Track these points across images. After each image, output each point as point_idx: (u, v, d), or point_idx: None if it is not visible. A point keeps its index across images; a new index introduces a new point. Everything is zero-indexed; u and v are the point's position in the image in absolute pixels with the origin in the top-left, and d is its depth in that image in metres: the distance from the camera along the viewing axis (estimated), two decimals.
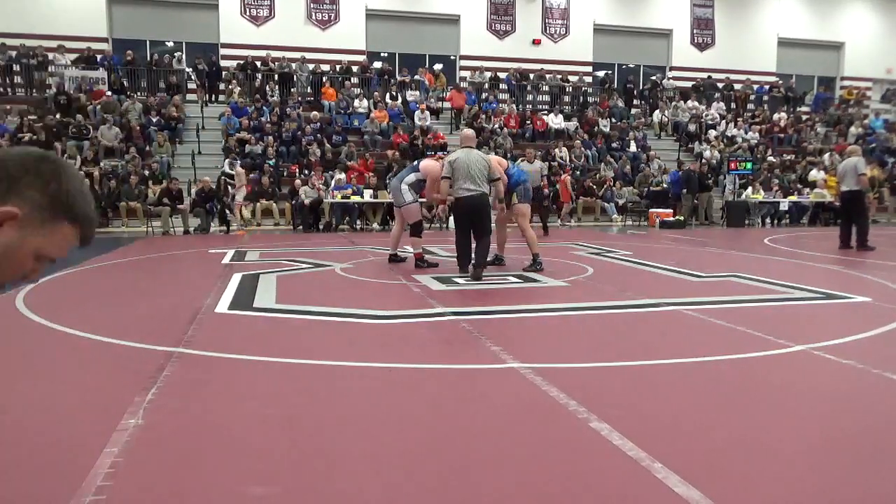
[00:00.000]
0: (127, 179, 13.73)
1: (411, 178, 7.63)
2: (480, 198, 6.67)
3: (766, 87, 23.19)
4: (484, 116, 18.38)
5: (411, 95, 18.96)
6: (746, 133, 20.34)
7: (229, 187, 14.24)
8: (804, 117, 22.18)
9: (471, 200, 6.66)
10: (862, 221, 9.74)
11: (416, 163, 8.25)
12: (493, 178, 6.80)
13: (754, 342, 4.11)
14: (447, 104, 19.37)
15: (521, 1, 21.73)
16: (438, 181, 7.21)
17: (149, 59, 18.71)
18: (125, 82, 17.49)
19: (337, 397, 3.13)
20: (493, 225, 7.39)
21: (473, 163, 6.65)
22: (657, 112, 20.88)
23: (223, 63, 18.91)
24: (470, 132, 7.30)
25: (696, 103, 21.05)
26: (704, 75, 22.65)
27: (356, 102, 18.27)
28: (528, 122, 18.86)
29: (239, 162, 14.67)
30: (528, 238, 7.41)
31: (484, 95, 19.64)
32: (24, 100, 16.73)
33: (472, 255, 6.72)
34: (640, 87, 22.27)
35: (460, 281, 6.47)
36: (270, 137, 15.87)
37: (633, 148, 18.67)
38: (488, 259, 7.46)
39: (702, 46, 23.52)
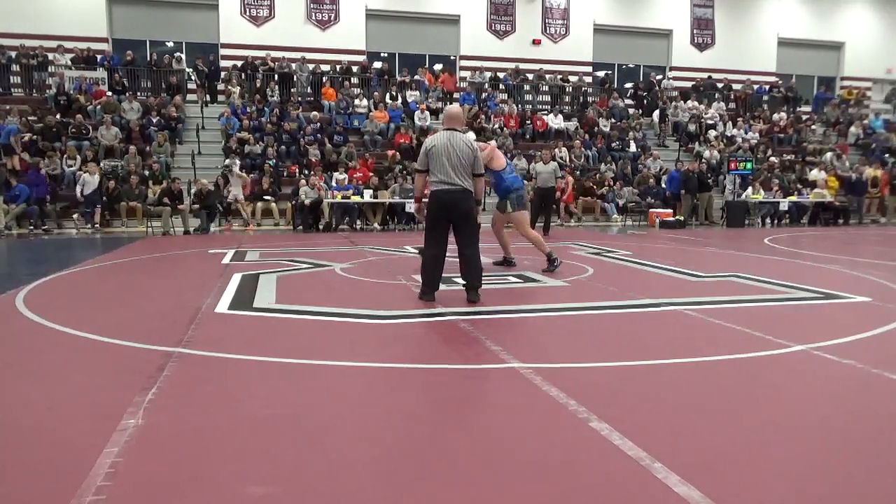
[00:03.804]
0: (127, 179, 13.73)
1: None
2: (461, 195, 5.26)
3: (766, 87, 23.19)
4: (484, 116, 18.39)
5: (411, 95, 18.97)
6: (746, 133, 20.34)
7: (223, 186, 14.18)
8: (804, 117, 22.19)
9: (447, 197, 5.25)
10: None
11: None
12: (477, 172, 5.38)
13: (754, 342, 4.12)
14: (447, 103, 19.43)
15: (521, 1, 21.74)
16: (488, 155, 6.76)
17: (149, 59, 18.71)
18: (126, 82, 17.49)
19: (337, 397, 3.13)
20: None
21: (455, 150, 5.25)
22: (656, 112, 20.87)
23: (223, 63, 18.92)
24: (455, 110, 5.68)
25: (695, 103, 21.05)
26: (704, 75, 22.66)
27: (356, 102, 18.27)
28: (528, 122, 18.87)
29: (238, 164, 14.68)
30: (535, 241, 7.20)
31: (484, 95, 19.65)
32: (24, 100, 16.74)
33: (465, 277, 5.47)
34: (640, 89, 22.19)
35: (460, 281, 6.27)
36: (270, 137, 15.88)
37: (633, 148, 18.68)
38: (500, 261, 7.37)
39: (702, 46, 23.53)
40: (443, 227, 5.38)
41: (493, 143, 7.94)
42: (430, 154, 5.31)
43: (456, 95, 19.86)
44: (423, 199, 5.71)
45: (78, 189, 13.29)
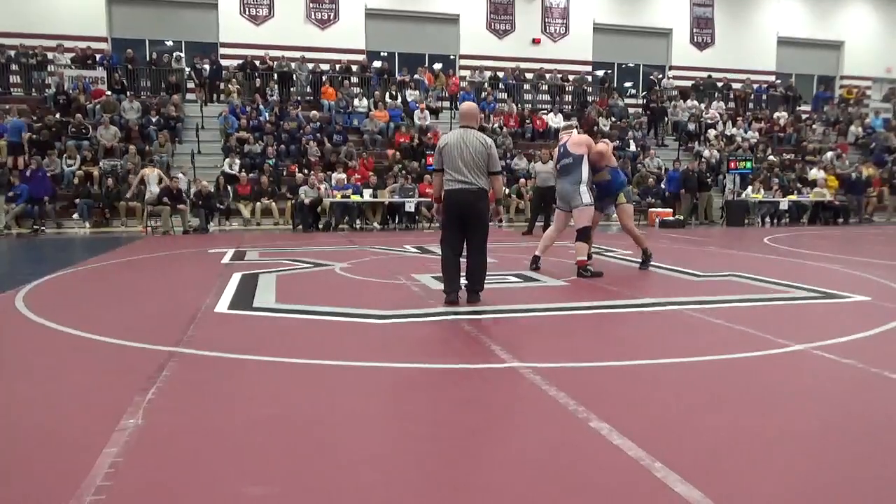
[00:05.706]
0: (126, 179, 13.71)
1: (585, 174, 6.87)
2: (475, 194, 5.12)
3: (766, 86, 23.18)
4: (483, 116, 18.39)
5: (411, 95, 18.97)
6: (746, 132, 20.33)
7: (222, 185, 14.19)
8: (804, 116, 22.18)
9: (460, 197, 5.12)
10: None
11: (570, 157, 6.90)
12: (493, 170, 5.25)
13: (754, 341, 4.11)
14: (447, 103, 19.42)
15: (521, 0, 21.72)
16: (601, 153, 6.86)
17: (148, 58, 18.69)
18: (125, 82, 17.47)
19: (337, 397, 3.13)
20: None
21: (469, 147, 5.11)
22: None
23: (223, 62, 18.91)
24: (470, 107, 5.50)
25: (695, 102, 21.03)
26: (704, 74, 22.65)
27: (356, 102, 18.27)
28: (528, 121, 18.86)
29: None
30: (636, 237, 7.59)
31: (483, 95, 19.64)
32: (24, 99, 16.72)
33: (467, 278, 5.33)
34: (650, 99, 21.91)
35: (461, 281, 6.21)
36: (270, 137, 15.86)
37: (632, 147, 18.67)
38: (643, 262, 7.48)
39: (701, 46, 23.53)
40: (458, 226, 5.27)
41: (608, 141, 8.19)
42: (443, 152, 5.20)
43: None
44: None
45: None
